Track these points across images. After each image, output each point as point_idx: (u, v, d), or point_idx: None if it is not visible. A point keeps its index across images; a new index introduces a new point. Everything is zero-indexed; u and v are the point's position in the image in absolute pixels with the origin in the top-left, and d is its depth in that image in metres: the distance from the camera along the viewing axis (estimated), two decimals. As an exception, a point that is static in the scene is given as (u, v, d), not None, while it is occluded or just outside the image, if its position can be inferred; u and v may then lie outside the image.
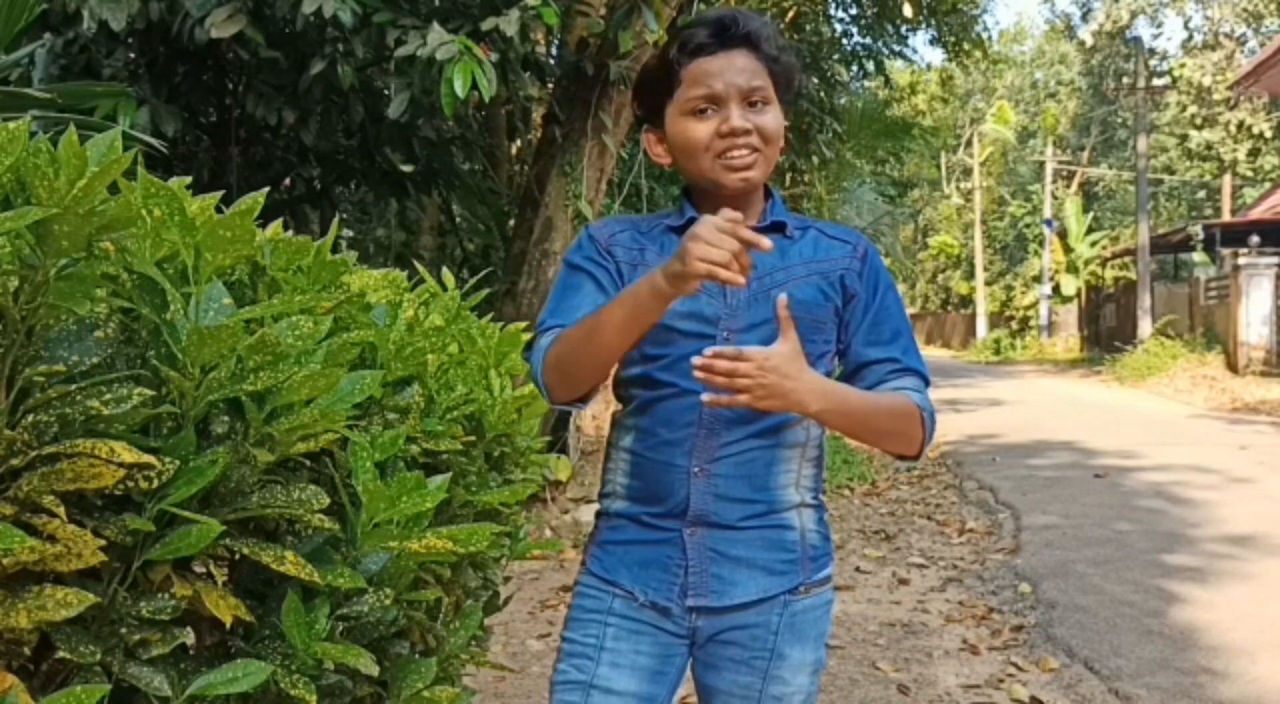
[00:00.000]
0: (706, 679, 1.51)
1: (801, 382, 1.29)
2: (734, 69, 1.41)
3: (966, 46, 14.08)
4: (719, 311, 1.43)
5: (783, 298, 1.29)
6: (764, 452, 1.44)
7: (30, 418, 1.02)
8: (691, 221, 1.46)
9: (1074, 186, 36.05)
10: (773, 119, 1.44)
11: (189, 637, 1.13)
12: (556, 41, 7.35)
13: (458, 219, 8.24)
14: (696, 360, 1.25)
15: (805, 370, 1.31)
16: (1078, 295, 30.39)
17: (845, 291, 1.48)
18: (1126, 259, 27.01)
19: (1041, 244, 32.83)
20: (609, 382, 1.52)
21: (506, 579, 2.19)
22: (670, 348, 1.42)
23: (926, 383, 1.50)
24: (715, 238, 1.20)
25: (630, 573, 1.46)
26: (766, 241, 1.21)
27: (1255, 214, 22.05)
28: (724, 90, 1.41)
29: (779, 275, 1.45)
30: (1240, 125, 26.96)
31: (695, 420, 1.42)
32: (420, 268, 2.17)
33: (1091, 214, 32.43)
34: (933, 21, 13.09)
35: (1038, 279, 33.07)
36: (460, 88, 4.02)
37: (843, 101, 13.44)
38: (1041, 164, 35.55)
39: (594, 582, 1.50)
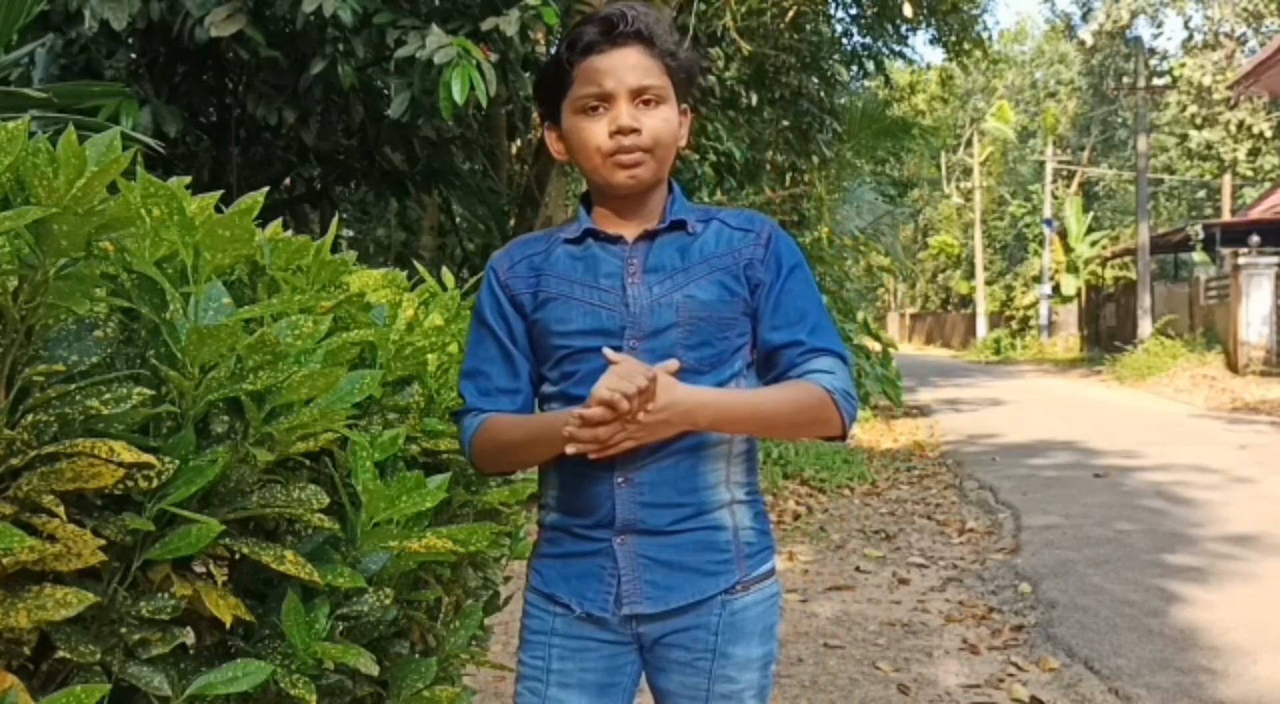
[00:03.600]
0: (656, 681, 1.52)
1: (677, 405, 1.33)
2: (625, 67, 1.40)
3: (966, 46, 14.06)
4: (622, 322, 1.42)
5: (670, 364, 1.34)
6: (687, 455, 1.42)
7: (30, 417, 1.02)
8: (588, 233, 1.47)
9: (1074, 186, 36.05)
10: (663, 118, 1.42)
11: (189, 636, 1.13)
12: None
13: (458, 219, 8.24)
14: (570, 449, 1.31)
15: (678, 391, 1.33)
16: (1078, 295, 30.38)
17: (750, 282, 1.45)
18: (1126, 259, 27.01)
19: (1041, 244, 32.83)
20: None
21: (507, 579, 2.19)
22: (580, 364, 1.42)
23: (844, 361, 1.46)
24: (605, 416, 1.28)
25: (568, 585, 1.46)
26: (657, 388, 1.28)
27: (1255, 214, 22.05)
28: (613, 88, 1.39)
29: (679, 278, 1.43)
30: (1240, 125, 26.97)
31: None
32: (420, 268, 2.17)
33: (1091, 214, 32.42)
34: (933, 21, 13.08)
35: (1038, 279, 33.07)
36: (458, 93, 4.02)
37: (843, 101, 13.42)
38: (1041, 164, 35.56)
39: (536, 599, 1.50)
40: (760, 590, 1.49)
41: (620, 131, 1.39)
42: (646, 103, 1.41)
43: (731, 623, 1.46)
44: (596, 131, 1.40)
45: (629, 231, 1.46)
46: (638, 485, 1.41)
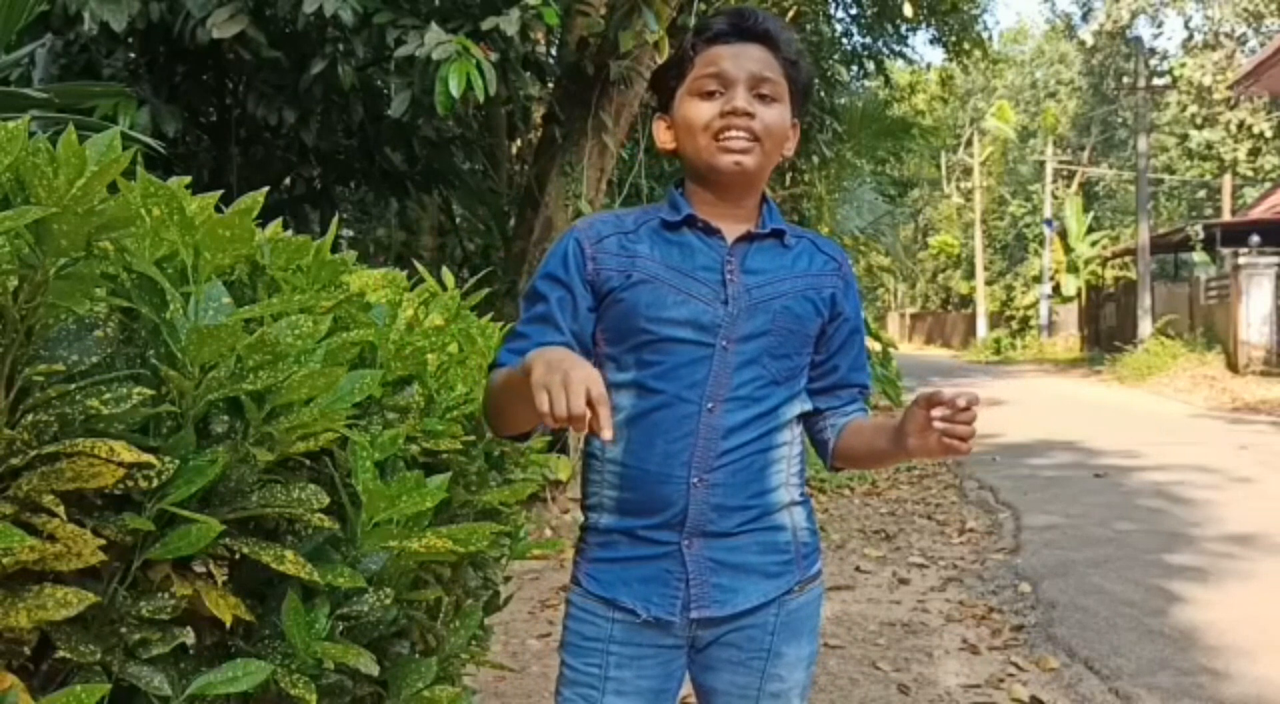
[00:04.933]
0: (704, 680, 1.51)
1: None
2: (747, 57, 1.41)
3: (966, 46, 14.07)
4: (718, 320, 1.40)
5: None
6: (759, 455, 1.43)
7: (30, 417, 1.02)
8: (689, 219, 1.44)
9: (1074, 186, 36.03)
10: (778, 115, 1.42)
11: (189, 636, 1.13)
12: (556, 41, 7.34)
13: (458, 219, 8.24)
14: (939, 415, 1.27)
15: None
16: (1078, 295, 30.37)
17: (834, 308, 1.49)
18: (1126, 259, 27.00)
19: (1041, 244, 32.82)
20: None
21: (507, 579, 2.19)
22: (667, 356, 1.40)
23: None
24: (572, 390, 1.13)
25: (630, 590, 1.44)
26: (607, 434, 1.13)
27: (1255, 214, 22.06)
28: (734, 73, 1.40)
29: (779, 286, 1.44)
30: (1240, 125, 26.92)
31: (694, 430, 1.39)
32: (420, 267, 2.17)
33: (1091, 214, 32.40)
34: (933, 21, 13.09)
35: (1038, 279, 33.06)
36: (455, 88, 4.02)
37: (843, 101, 13.40)
38: (1041, 164, 35.54)
39: (591, 603, 1.47)
40: (811, 590, 1.51)
41: (733, 112, 1.38)
42: (762, 97, 1.41)
43: (787, 623, 1.47)
44: (708, 110, 1.40)
45: (727, 228, 1.45)
46: (712, 486, 1.40)
